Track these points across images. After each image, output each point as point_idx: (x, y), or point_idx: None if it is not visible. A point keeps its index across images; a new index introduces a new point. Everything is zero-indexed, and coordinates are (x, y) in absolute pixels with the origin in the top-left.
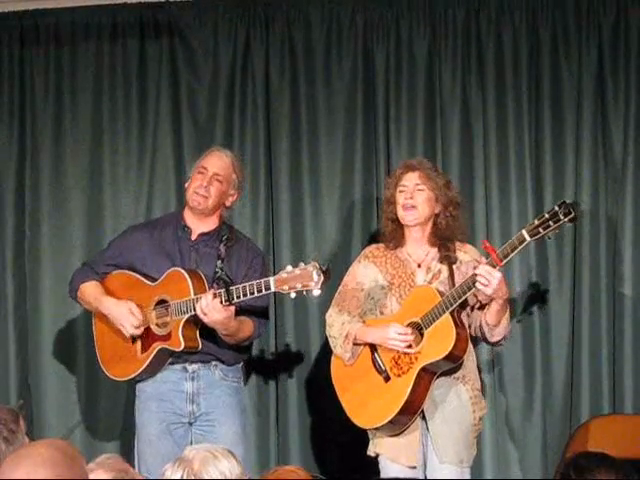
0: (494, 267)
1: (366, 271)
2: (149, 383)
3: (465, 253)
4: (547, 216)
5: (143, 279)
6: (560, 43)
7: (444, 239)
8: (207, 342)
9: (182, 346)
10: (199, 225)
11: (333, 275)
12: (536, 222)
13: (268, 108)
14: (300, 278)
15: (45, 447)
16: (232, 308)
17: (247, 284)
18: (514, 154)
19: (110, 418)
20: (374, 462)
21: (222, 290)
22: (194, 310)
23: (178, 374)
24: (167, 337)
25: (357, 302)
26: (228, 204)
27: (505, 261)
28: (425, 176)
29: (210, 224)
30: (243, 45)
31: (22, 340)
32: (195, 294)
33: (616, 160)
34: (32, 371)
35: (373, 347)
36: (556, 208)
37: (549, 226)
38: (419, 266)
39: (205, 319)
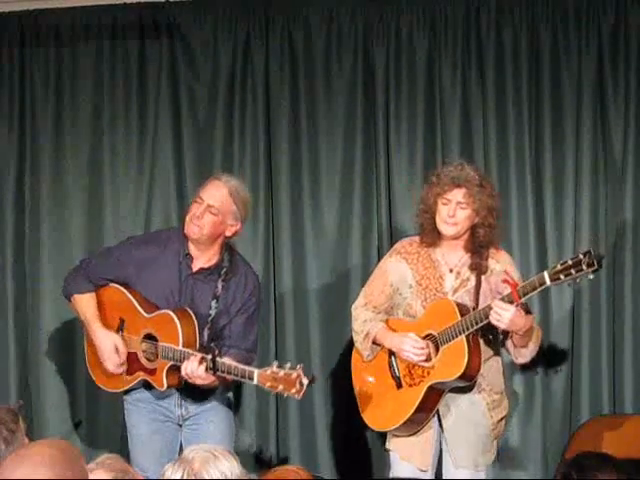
0: (511, 303)
1: (397, 267)
2: (136, 391)
3: (497, 262)
4: (570, 263)
5: (137, 305)
6: (560, 43)
7: (480, 246)
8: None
9: (164, 387)
10: (200, 257)
11: (333, 275)
12: (559, 267)
13: (268, 108)
14: (283, 381)
15: (45, 447)
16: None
17: (234, 364)
18: (514, 153)
19: (110, 418)
20: (373, 460)
21: (209, 357)
22: (180, 362)
23: None
24: (152, 372)
25: (384, 298)
26: (229, 234)
27: (523, 299)
28: (470, 194)
29: (210, 257)
30: (243, 45)
31: (22, 340)
32: (183, 344)
33: (616, 160)
34: (32, 371)
35: (390, 350)
36: (580, 257)
37: (570, 274)
38: (450, 271)
39: (189, 380)
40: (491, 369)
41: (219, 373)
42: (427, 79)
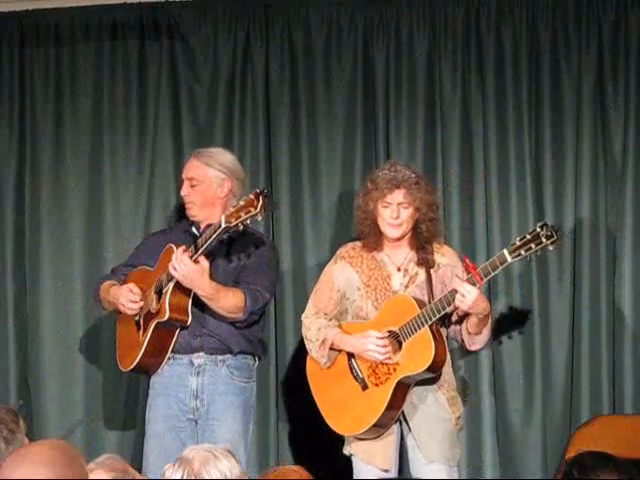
0: (474, 285)
1: (342, 272)
2: (158, 379)
3: (443, 256)
4: (529, 237)
5: (148, 268)
6: (560, 43)
7: (423, 241)
8: (213, 327)
9: (167, 315)
10: (205, 220)
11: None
12: (517, 242)
13: (268, 108)
14: (245, 209)
15: (45, 447)
16: (203, 264)
17: (209, 229)
18: (514, 154)
19: (111, 418)
20: None
21: (192, 247)
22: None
23: (184, 368)
24: (159, 312)
25: (333, 304)
26: (223, 195)
27: (485, 280)
28: (409, 194)
29: (215, 217)
30: (243, 45)
31: (22, 340)
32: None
33: (616, 160)
34: (32, 371)
35: (350, 353)
36: (538, 229)
37: (530, 248)
38: (398, 269)
39: (176, 275)
40: (444, 367)
41: (201, 249)
42: (427, 79)
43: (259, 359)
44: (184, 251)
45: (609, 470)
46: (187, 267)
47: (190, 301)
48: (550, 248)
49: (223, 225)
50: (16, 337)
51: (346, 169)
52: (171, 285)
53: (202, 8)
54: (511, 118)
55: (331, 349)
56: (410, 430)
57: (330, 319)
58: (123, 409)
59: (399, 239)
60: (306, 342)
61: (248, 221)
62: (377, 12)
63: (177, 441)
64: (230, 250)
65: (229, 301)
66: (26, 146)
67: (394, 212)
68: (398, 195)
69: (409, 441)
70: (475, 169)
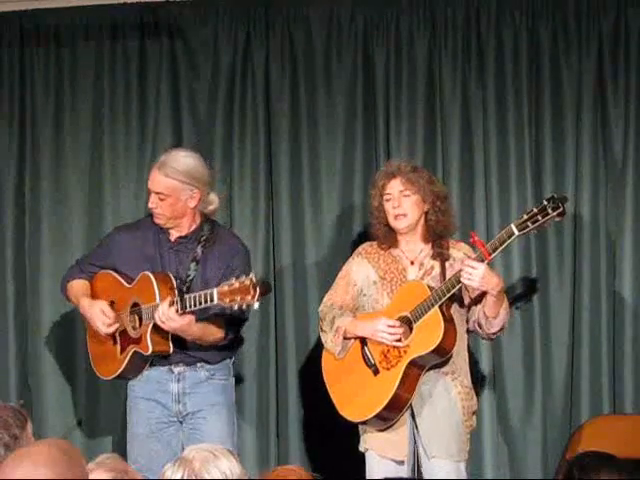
0: (482, 261)
1: (359, 267)
2: (137, 383)
3: (458, 251)
4: (536, 210)
5: (122, 281)
6: (560, 43)
7: (437, 235)
8: (188, 344)
9: (150, 350)
10: (174, 229)
11: (333, 276)
12: (525, 216)
13: (268, 108)
14: (239, 292)
15: (45, 447)
16: (189, 316)
17: (197, 294)
18: (514, 153)
19: (110, 418)
20: None
21: (177, 298)
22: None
23: (164, 375)
24: (138, 340)
25: (350, 298)
26: (193, 205)
27: (494, 255)
28: (407, 181)
29: (185, 227)
30: (243, 45)
31: (22, 340)
32: (161, 300)
33: (616, 160)
34: (32, 371)
35: (363, 341)
36: (545, 202)
37: (537, 220)
38: (412, 263)
39: (164, 327)
40: (458, 359)
41: (188, 309)
42: (427, 79)
43: (236, 349)
44: (170, 304)
45: (609, 470)
46: (175, 322)
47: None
48: (557, 219)
49: (215, 302)
50: (16, 337)
51: (346, 169)
52: (152, 322)
53: (202, 8)
54: (511, 118)
55: (345, 338)
56: (417, 425)
57: (344, 311)
58: (123, 409)
59: (407, 231)
60: (321, 333)
61: (244, 307)
62: (377, 12)
63: (160, 442)
64: (206, 259)
65: (212, 337)
66: (26, 146)
67: (395, 201)
68: (395, 184)
69: (417, 436)
70: (475, 169)
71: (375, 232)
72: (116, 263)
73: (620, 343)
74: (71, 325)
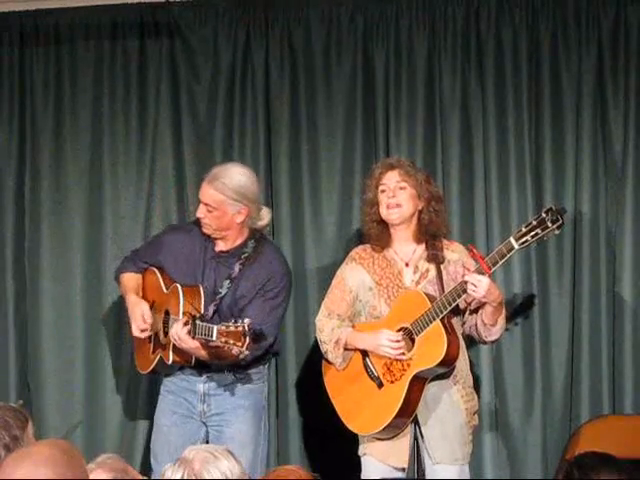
0: (482, 274)
1: (353, 273)
2: (170, 378)
3: (453, 252)
4: (534, 223)
5: (162, 285)
6: (560, 43)
7: (430, 236)
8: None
9: (170, 361)
10: (220, 241)
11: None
12: (523, 229)
13: (268, 108)
14: (232, 335)
15: (46, 447)
16: (197, 342)
17: (205, 325)
18: (514, 154)
19: (110, 418)
20: None
21: (191, 321)
22: None
23: (194, 374)
24: (165, 347)
25: (346, 305)
26: (240, 220)
27: (493, 269)
28: (405, 173)
29: (231, 240)
30: (243, 45)
31: (22, 340)
32: (184, 314)
33: (616, 160)
34: (32, 371)
35: (364, 352)
36: (543, 215)
37: (537, 234)
38: (407, 265)
39: (176, 344)
40: (459, 362)
41: (198, 336)
42: (427, 79)
43: (272, 357)
44: (184, 324)
45: (609, 470)
46: (185, 343)
47: None
48: (556, 232)
49: (214, 338)
50: (16, 337)
51: (346, 169)
52: None
53: (202, 8)
54: (511, 118)
55: (345, 349)
56: (421, 432)
57: (343, 320)
58: (123, 409)
59: (399, 223)
60: (320, 344)
61: (234, 351)
62: (377, 12)
63: (182, 435)
64: (242, 277)
65: (229, 359)
66: (26, 146)
67: (390, 192)
68: (393, 175)
69: (421, 442)
70: (475, 169)
71: (367, 231)
72: (163, 262)
73: (620, 344)
74: (71, 325)
